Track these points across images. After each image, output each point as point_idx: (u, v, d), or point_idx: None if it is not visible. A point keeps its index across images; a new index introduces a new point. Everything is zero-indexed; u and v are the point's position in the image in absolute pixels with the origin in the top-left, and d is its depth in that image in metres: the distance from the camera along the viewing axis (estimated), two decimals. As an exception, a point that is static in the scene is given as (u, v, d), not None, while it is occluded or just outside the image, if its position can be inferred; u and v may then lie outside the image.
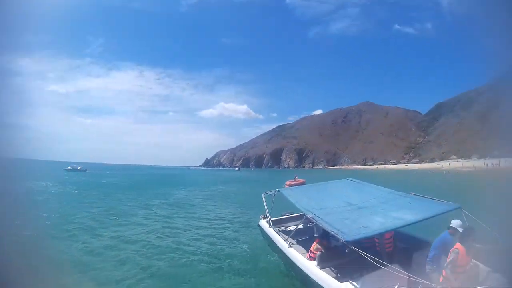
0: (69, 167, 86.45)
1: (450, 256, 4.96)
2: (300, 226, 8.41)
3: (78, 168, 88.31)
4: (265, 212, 9.81)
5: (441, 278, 5.12)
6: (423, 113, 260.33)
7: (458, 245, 5.04)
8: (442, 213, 6.32)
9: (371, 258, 4.90)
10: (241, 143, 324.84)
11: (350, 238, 5.26)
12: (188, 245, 11.66)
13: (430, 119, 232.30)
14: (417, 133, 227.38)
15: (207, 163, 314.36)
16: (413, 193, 7.91)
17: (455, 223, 5.75)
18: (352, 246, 5.09)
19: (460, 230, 5.53)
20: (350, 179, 10.72)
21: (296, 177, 26.86)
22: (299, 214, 10.14)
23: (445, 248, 5.44)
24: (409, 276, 4.73)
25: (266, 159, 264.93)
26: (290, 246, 7.62)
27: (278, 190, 9.72)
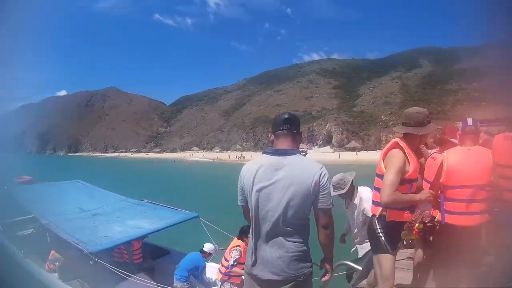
0: None
1: (234, 256, 4.98)
2: (33, 231, 7.67)
3: None
4: None
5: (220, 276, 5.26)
6: (167, 104, 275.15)
7: (237, 241, 5.14)
8: (181, 222, 6.46)
9: (116, 270, 4.89)
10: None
11: (93, 249, 4.93)
12: None
13: (173, 110, 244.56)
14: (159, 123, 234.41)
15: None
16: (146, 200, 7.99)
17: (208, 247, 5.92)
18: (97, 259, 4.80)
19: (213, 253, 5.94)
20: (79, 181, 10.20)
21: (23, 175, 27.23)
22: (29, 217, 8.71)
23: (197, 269, 5.63)
24: (157, 285, 5.01)
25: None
26: (26, 257, 6.75)
27: (5, 187, 8.97)
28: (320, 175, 2.07)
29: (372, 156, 66.05)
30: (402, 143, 2.52)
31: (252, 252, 2.18)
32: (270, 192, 2.07)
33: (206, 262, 5.83)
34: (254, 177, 2.14)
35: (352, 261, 3.65)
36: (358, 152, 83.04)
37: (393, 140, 2.59)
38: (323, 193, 2.07)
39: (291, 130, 2.21)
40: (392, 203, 2.40)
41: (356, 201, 3.70)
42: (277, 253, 2.06)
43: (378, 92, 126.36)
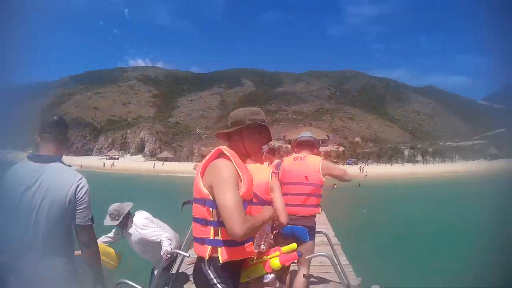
0: None
1: None
2: None
3: None
4: None
5: None
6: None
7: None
8: None
9: None
10: None
11: None
12: None
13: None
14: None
15: None
16: None
17: None
18: None
19: None
20: None
21: None
22: None
23: None
24: None
25: None
26: None
27: None
28: (77, 188, 1.84)
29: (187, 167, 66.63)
30: (228, 152, 1.78)
31: (14, 272, 1.86)
32: (24, 203, 1.80)
33: None
34: (12, 185, 1.85)
35: (151, 279, 3.72)
36: (165, 162, 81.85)
37: (215, 149, 1.84)
38: (80, 207, 1.84)
39: (57, 136, 1.98)
40: (249, 232, 1.61)
41: (131, 230, 3.63)
42: (40, 273, 1.81)
43: (196, 105, 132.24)
